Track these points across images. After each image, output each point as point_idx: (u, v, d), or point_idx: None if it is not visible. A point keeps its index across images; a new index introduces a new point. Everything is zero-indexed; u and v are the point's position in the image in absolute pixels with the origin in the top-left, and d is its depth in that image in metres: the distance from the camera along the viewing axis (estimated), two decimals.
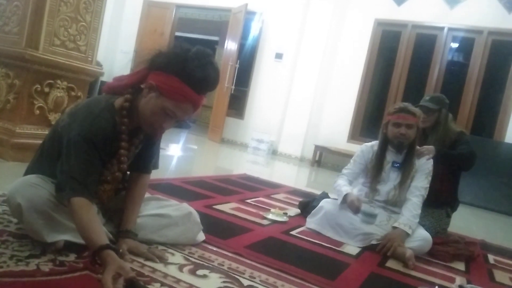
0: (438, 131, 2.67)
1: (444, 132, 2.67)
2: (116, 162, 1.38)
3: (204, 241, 1.66)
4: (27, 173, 1.41)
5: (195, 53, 1.27)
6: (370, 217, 2.14)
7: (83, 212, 1.19)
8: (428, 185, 2.28)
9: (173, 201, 1.64)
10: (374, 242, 2.12)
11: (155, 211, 1.53)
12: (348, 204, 2.19)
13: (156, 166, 1.60)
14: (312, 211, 2.35)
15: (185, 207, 1.61)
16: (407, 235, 2.11)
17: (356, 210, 2.17)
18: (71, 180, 1.22)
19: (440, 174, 2.50)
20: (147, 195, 1.59)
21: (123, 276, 1.07)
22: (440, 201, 2.63)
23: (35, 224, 1.22)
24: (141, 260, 1.35)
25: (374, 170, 2.34)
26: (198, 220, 1.62)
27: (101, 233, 1.19)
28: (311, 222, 2.31)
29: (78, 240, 1.26)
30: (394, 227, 2.15)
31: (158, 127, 1.32)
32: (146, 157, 1.53)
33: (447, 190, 2.68)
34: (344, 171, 2.45)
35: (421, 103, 2.70)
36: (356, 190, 2.43)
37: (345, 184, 2.32)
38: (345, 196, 2.24)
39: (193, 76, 1.25)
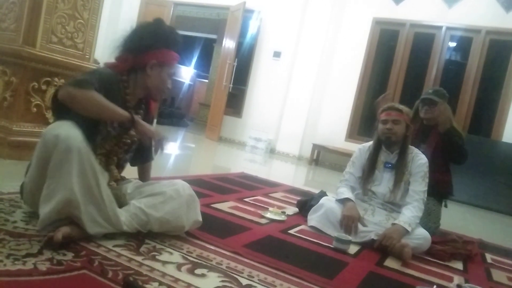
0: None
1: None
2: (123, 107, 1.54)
3: (202, 240, 1.66)
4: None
5: (166, 27, 1.67)
6: (343, 243, 1.99)
7: (101, 98, 1.43)
8: (426, 188, 2.29)
9: (165, 181, 1.69)
10: (373, 237, 2.12)
11: (149, 193, 1.59)
12: (345, 217, 2.18)
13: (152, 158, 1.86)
14: (312, 208, 2.36)
15: (177, 182, 1.65)
16: (406, 232, 2.11)
17: (347, 229, 2.15)
18: (86, 79, 1.44)
19: (439, 165, 2.68)
20: (139, 183, 1.72)
21: (150, 135, 1.54)
22: (441, 191, 2.76)
23: (64, 159, 1.27)
24: (139, 259, 1.35)
25: (367, 170, 2.37)
26: (193, 192, 1.66)
27: (123, 110, 1.49)
28: (312, 219, 2.31)
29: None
30: (394, 224, 2.15)
31: (166, 89, 1.70)
32: (143, 149, 1.77)
33: (447, 180, 2.80)
34: (345, 175, 2.46)
35: (424, 95, 2.81)
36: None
37: (348, 191, 2.35)
38: (345, 200, 2.27)
39: (175, 42, 1.67)
